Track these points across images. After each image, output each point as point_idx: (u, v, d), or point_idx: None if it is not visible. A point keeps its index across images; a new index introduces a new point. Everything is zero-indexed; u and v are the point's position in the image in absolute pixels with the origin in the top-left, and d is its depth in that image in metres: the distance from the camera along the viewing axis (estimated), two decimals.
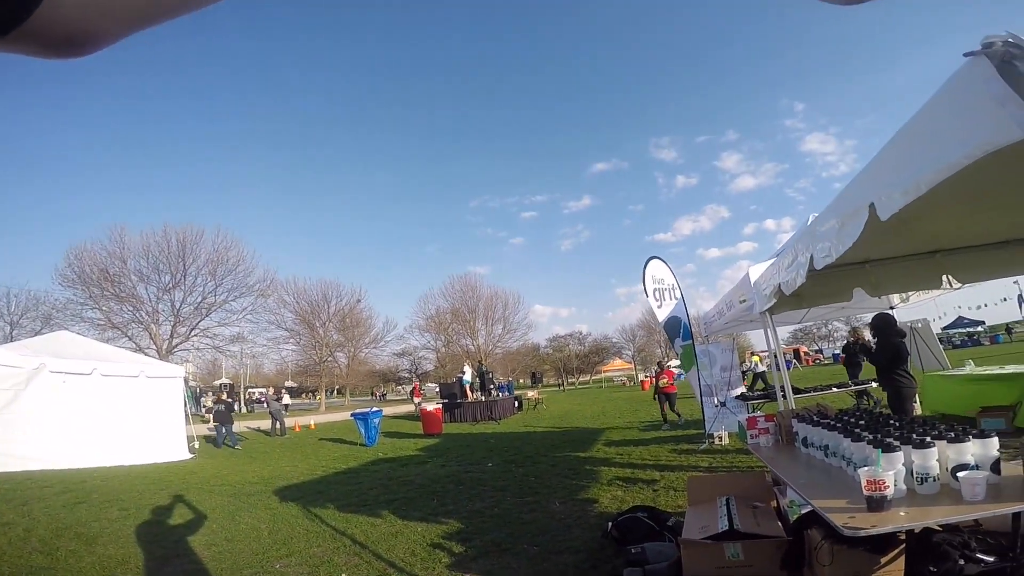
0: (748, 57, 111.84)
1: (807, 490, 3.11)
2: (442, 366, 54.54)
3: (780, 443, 4.85)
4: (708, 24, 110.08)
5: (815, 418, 4.30)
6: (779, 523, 4.05)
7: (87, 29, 0.34)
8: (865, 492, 2.58)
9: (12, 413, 12.17)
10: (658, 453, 10.23)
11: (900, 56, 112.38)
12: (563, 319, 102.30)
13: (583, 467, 9.60)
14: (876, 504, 2.55)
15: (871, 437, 3.09)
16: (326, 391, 54.22)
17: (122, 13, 0.35)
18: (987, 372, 10.36)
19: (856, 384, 10.41)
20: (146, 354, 27.58)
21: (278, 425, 21.38)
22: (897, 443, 2.84)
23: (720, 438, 10.57)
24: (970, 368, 11.02)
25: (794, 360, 49.00)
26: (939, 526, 3.03)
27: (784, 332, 51.45)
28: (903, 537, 3.02)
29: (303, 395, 66.71)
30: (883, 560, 2.96)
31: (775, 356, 7.16)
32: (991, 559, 2.92)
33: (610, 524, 5.34)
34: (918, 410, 8.69)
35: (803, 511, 4.02)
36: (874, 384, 8.78)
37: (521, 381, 60.43)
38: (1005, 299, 13.37)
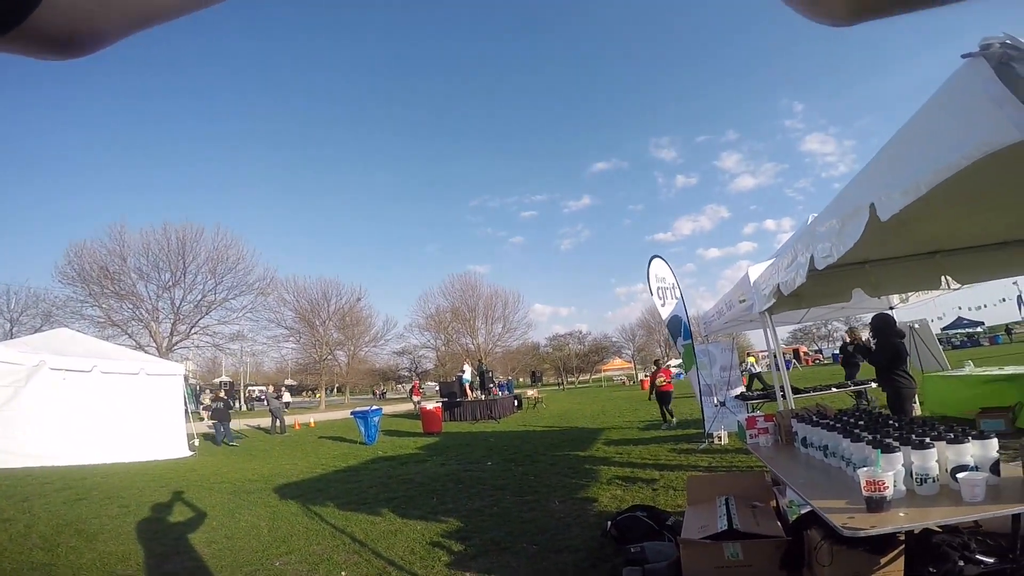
0: (748, 57, 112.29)
1: (806, 490, 3.11)
2: (442, 365, 54.55)
3: (779, 443, 4.86)
4: (708, 24, 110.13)
5: (814, 418, 4.31)
6: (778, 523, 4.05)
7: (87, 28, 0.34)
8: (864, 493, 2.58)
9: (12, 410, 12.19)
10: (657, 452, 10.23)
11: (900, 58, 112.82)
12: (563, 318, 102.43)
13: (582, 466, 9.61)
14: (875, 505, 2.55)
15: (870, 437, 3.10)
16: (326, 389, 54.23)
17: (122, 12, 0.35)
18: (986, 373, 10.36)
19: (855, 384, 10.42)
20: (146, 352, 27.59)
21: (278, 423, 21.37)
22: (897, 444, 2.85)
23: (719, 438, 10.57)
24: (969, 369, 11.03)
25: (794, 360, 48.99)
26: (938, 527, 3.04)
27: (784, 332, 51.51)
28: (902, 538, 3.03)
29: (304, 393, 66.69)
30: (882, 561, 2.97)
31: (775, 356, 7.16)
32: (991, 560, 2.92)
33: (609, 523, 5.34)
34: (918, 411, 8.70)
35: (802, 511, 4.03)
36: (873, 384, 8.78)
37: (521, 380, 60.46)
38: (1004, 300, 13.38)
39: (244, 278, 38.00)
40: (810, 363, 55.98)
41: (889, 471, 2.65)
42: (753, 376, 21.83)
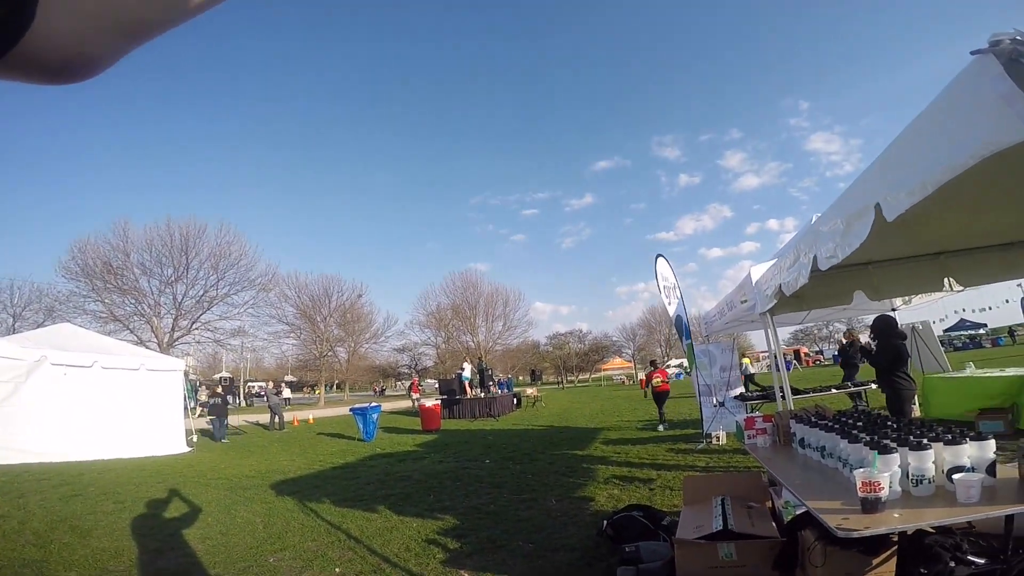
0: (753, 56, 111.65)
1: (802, 491, 3.09)
2: (442, 362, 54.58)
3: (777, 444, 4.83)
4: (713, 22, 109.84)
5: (813, 419, 4.29)
6: (773, 524, 4.04)
7: (78, 54, 0.34)
8: (860, 493, 2.56)
9: (12, 406, 12.19)
10: (655, 452, 10.21)
11: (908, 55, 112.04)
12: (563, 317, 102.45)
13: (580, 465, 9.59)
14: (870, 506, 2.53)
15: (868, 439, 3.08)
16: (326, 386, 54.29)
17: (113, 35, 0.34)
18: (987, 375, 10.32)
19: (855, 385, 10.39)
20: (147, 347, 27.68)
21: (277, 419, 21.41)
22: (894, 445, 2.83)
23: (718, 438, 10.56)
24: (970, 371, 10.99)
25: (794, 361, 48.98)
26: (932, 528, 3.01)
27: (785, 333, 51.55)
28: (896, 539, 3.01)
29: (304, 389, 66.80)
30: (875, 561, 2.95)
31: (775, 357, 7.13)
32: (982, 561, 2.91)
33: (605, 522, 5.32)
34: (916, 412, 8.67)
35: (798, 512, 4.01)
36: (873, 386, 8.75)
37: (520, 378, 60.41)
38: (1008, 301, 13.29)
39: (246, 274, 38.26)
40: (810, 364, 55.95)
41: (885, 472, 2.63)
42: (747, 378, 21.78)
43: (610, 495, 7.11)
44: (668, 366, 52.76)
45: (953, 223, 4.56)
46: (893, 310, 9.33)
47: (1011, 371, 10.00)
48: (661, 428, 13.59)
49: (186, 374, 18.80)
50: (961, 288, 6.41)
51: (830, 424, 3.87)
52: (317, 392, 53.71)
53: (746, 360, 24.72)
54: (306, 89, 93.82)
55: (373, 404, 17.98)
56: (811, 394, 9.43)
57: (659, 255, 12.71)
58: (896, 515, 2.51)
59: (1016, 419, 8.38)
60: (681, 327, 12.36)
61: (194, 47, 70.13)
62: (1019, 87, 1.85)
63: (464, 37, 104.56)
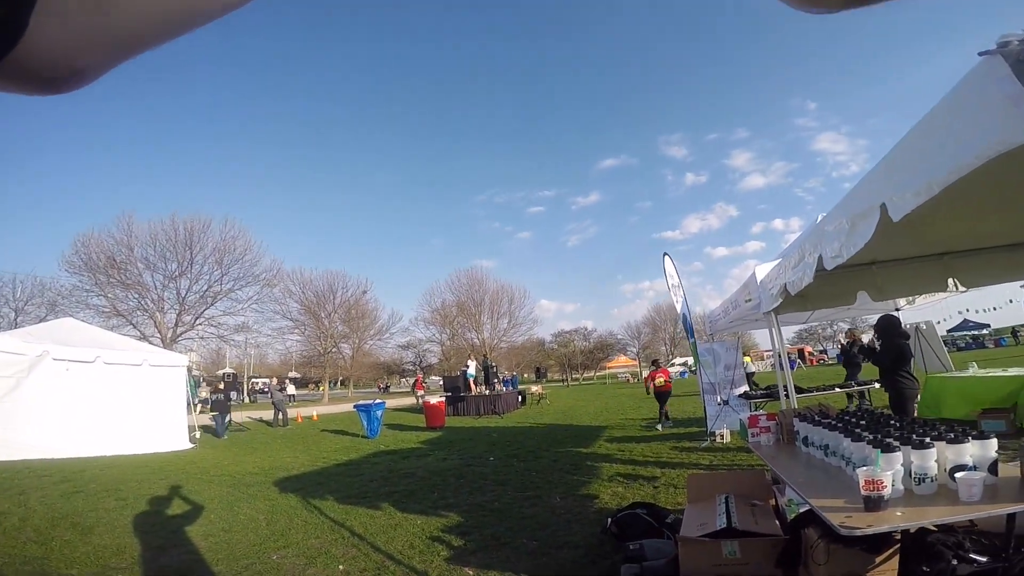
0: (761, 55, 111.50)
1: (805, 489, 3.10)
2: (447, 359, 54.56)
3: (781, 442, 4.84)
4: (721, 22, 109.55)
5: (816, 417, 4.29)
6: (776, 522, 4.04)
7: (68, 65, 0.34)
8: (863, 492, 2.57)
9: (14, 401, 12.19)
10: (659, 450, 10.22)
11: (916, 57, 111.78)
12: (568, 314, 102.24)
13: (584, 463, 9.61)
14: (873, 504, 2.54)
15: (871, 437, 3.08)
16: (330, 382, 54.35)
17: (103, 47, 0.34)
18: (989, 375, 10.31)
19: (858, 384, 10.38)
20: (150, 342, 27.67)
21: (280, 416, 21.45)
22: (897, 443, 2.83)
23: (722, 436, 10.56)
24: (973, 371, 10.98)
25: (798, 360, 48.88)
26: (935, 526, 3.02)
27: (789, 332, 51.39)
28: (898, 537, 3.02)
29: (308, 386, 66.92)
30: (877, 559, 2.96)
31: (779, 356, 7.13)
32: (984, 559, 2.91)
33: (609, 520, 5.34)
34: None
35: (801, 510, 4.02)
36: (876, 385, 8.74)
37: (525, 376, 60.44)
38: (1011, 301, 13.26)
39: (250, 269, 38.21)
40: (814, 363, 55.76)
41: (888, 471, 2.63)
42: (747, 376, 21.71)
43: (614, 493, 7.12)
44: (672, 364, 52.81)
45: (958, 224, 4.55)
46: (897, 310, 9.31)
47: (1013, 371, 10.00)
48: (660, 427, 13.53)
49: (189, 370, 18.84)
50: (965, 289, 6.39)
51: (833, 422, 3.87)
52: (321, 388, 53.77)
53: (747, 359, 24.66)
54: (311, 89, 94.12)
55: (377, 401, 18.02)
56: (814, 393, 9.43)
57: (665, 253, 12.72)
58: (899, 513, 2.52)
59: (1018, 419, 8.37)
60: (686, 325, 12.38)
61: (199, 46, 70.23)
62: None
63: (473, 36, 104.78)
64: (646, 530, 4.93)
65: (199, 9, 0.35)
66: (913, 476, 2.75)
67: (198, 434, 17.18)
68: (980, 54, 2.04)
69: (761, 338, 47.07)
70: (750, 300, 7.31)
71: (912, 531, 2.99)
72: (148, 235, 34.86)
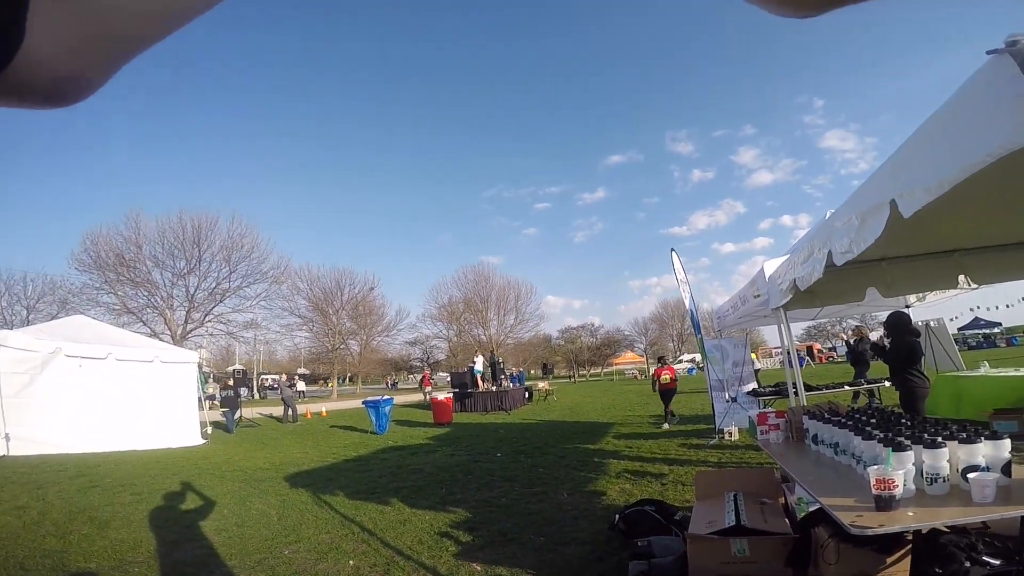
0: (769, 52, 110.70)
1: (815, 487, 3.08)
2: (454, 355, 54.59)
3: (790, 440, 4.82)
4: (729, 20, 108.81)
5: (826, 415, 4.28)
6: (786, 520, 4.04)
7: (73, 70, 0.33)
8: (874, 491, 2.55)
9: (28, 397, 12.37)
10: (667, 447, 10.21)
11: (924, 57, 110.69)
12: (575, 310, 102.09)
13: (592, 459, 9.61)
14: (884, 503, 2.53)
15: (882, 436, 3.07)
16: (338, 379, 54.50)
17: (101, 56, 0.33)
18: (1002, 374, 10.23)
19: (867, 383, 10.34)
20: (160, 339, 27.82)
21: (290, 412, 21.55)
22: (908, 442, 2.81)
23: (730, 433, 10.52)
24: (984, 370, 10.90)
25: (807, 357, 48.68)
26: (947, 527, 3.01)
27: (798, 328, 51.14)
28: (910, 537, 3.01)
29: (317, 382, 67.14)
30: (889, 560, 2.95)
31: (788, 353, 7.10)
32: (997, 562, 2.90)
33: (617, 517, 5.34)
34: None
35: (811, 508, 4.01)
36: (887, 383, 8.70)
37: (532, 372, 60.41)
38: (1023, 299, 13.17)
39: (258, 266, 38.35)
40: (823, 360, 55.50)
41: (899, 470, 2.62)
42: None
43: (622, 489, 7.12)
44: (680, 361, 52.68)
45: (969, 221, 4.53)
46: (907, 307, 9.25)
47: None
48: (666, 425, 13.47)
49: (200, 366, 18.96)
50: (976, 285, 6.35)
51: (843, 420, 3.85)
52: (330, 385, 53.94)
53: (752, 355, 24.56)
54: (319, 86, 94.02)
55: (385, 397, 18.09)
56: (824, 391, 9.39)
57: (672, 249, 12.71)
58: (910, 513, 2.50)
59: None
60: (693, 321, 12.37)
61: (210, 44, 70.55)
62: None
63: (482, 34, 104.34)
64: (654, 527, 4.93)
65: (188, 2, 0.34)
66: (925, 476, 2.73)
67: (210, 430, 17.29)
68: (988, 53, 2.04)
69: (769, 335, 46.98)
70: (759, 296, 7.29)
71: (924, 532, 2.98)
72: (156, 233, 35.11)
